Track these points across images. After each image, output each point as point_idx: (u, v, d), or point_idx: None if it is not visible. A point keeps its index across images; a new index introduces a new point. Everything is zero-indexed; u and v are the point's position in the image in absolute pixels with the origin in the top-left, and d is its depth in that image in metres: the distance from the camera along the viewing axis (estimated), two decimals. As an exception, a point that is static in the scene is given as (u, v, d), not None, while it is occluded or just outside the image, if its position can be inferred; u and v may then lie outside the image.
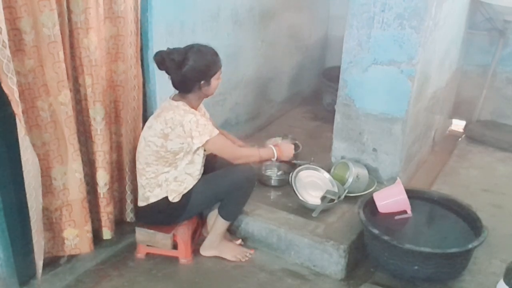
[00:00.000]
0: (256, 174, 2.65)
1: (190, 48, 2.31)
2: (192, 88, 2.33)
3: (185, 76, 2.28)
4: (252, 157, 2.51)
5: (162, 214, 2.44)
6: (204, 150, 2.42)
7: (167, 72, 2.31)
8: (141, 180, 2.44)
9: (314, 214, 2.62)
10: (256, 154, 2.51)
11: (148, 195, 2.42)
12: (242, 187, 2.48)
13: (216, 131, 2.35)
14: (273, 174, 3.14)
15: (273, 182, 3.02)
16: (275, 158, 2.56)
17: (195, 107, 2.39)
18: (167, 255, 2.56)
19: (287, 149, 2.62)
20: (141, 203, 2.48)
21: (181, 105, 2.32)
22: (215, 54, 2.36)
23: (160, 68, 2.32)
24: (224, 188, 2.46)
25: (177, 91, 2.39)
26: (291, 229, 2.55)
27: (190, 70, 2.27)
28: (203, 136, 2.29)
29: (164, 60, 2.27)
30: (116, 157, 2.59)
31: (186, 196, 2.41)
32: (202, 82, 2.32)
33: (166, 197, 2.39)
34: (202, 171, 2.47)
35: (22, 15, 1.93)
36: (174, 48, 2.30)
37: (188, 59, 2.26)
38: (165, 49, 2.30)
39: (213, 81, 2.36)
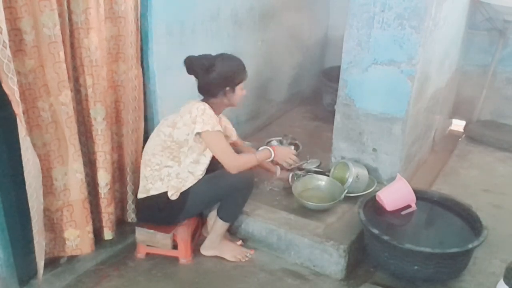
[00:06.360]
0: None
1: (220, 55, 2.42)
2: (217, 93, 2.41)
3: (212, 80, 2.36)
4: (249, 163, 2.49)
5: (161, 212, 2.45)
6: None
7: (195, 76, 2.40)
8: (145, 171, 2.46)
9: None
10: (253, 160, 2.50)
11: (150, 187, 2.44)
12: (241, 189, 2.49)
13: (219, 128, 2.37)
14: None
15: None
16: (271, 159, 2.58)
17: (216, 113, 2.42)
18: (167, 255, 2.56)
19: (283, 153, 2.64)
20: (141, 195, 2.49)
21: (202, 103, 2.37)
22: (242, 64, 2.46)
23: (188, 72, 2.40)
24: (223, 189, 2.46)
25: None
26: (291, 229, 2.56)
27: (217, 75, 2.35)
28: (205, 125, 2.32)
29: (193, 64, 2.37)
30: (117, 158, 2.59)
31: (185, 195, 2.42)
32: (228, 88, 2.40)
33: (166, 193, 2.40)
34: (204, 173, 2.48)
35: (23, 15, 1.93)
36: (204, 54, 2.40)
37: (216, 64, 2.36)
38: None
39: (238, 90, 2.44)
